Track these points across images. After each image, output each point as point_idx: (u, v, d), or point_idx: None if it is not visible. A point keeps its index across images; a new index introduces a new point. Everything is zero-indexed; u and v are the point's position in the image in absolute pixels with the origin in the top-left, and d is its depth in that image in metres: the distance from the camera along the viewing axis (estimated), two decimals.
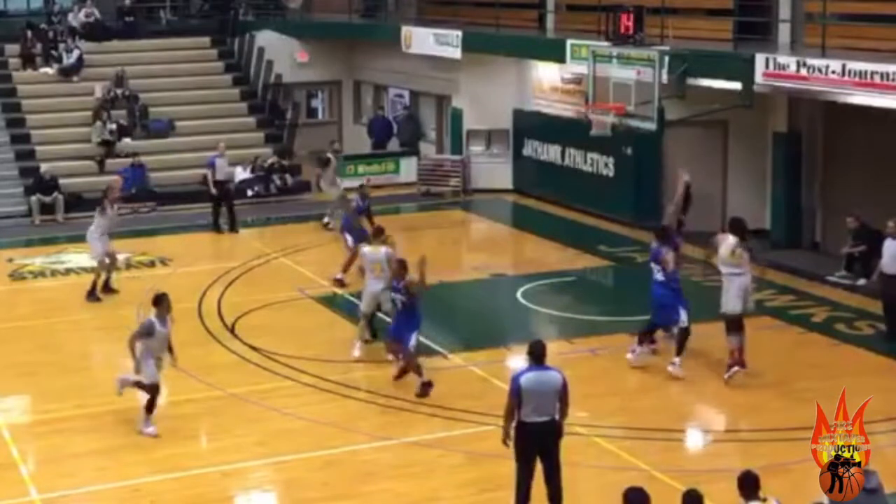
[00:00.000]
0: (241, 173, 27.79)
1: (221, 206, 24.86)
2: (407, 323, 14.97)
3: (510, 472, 11.11)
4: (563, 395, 11.01)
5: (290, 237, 24.06)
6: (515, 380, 10.98)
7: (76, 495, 12.42)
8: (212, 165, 24.84)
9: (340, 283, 20.04)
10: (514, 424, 11.00)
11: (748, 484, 8.73)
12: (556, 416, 11.04)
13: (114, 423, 14.29)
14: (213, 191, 24.82)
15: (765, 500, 8.69)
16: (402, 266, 15.09)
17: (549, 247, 22.19)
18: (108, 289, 20.08)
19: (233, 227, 24.87)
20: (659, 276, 15.50)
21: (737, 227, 15.35)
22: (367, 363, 16.23)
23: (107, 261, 19.97)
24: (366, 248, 16.70)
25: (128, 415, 14.71)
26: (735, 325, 15.18)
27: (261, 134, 29.81)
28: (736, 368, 15.14)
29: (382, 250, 16.24)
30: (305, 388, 15.11)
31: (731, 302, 15.10)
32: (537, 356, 11.16)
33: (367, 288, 16.47)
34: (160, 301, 13.86)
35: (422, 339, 17.34)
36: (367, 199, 20.86)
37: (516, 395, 10.90)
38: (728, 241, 15.13)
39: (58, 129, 28.68)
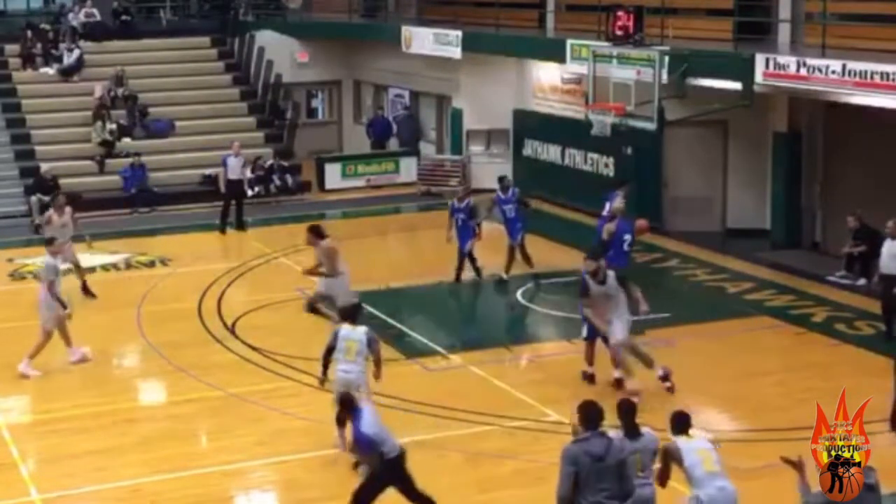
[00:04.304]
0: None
1: (231, 205, 24.81)
2: None
3: (510, 473, 11.09)
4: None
5: (290, 237, 24.02)
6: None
7: (76, 495, 12.42)
8: (224, 164, 24.83)
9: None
10: None
11: (679, 422, 9.79)
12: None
13: (114, 423, 14.30)
14: (223, 189, 24.80)
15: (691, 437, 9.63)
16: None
17: (549, 247, 22.13)
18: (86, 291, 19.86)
19: (240, 226, 24.87)
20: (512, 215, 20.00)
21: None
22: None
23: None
24: None
25: (128, 415, 14.74)
26: None
27: (261, 134, 29.79)
28: None
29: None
30: (305, 388, 15.07)
31: None
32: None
33: None
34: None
35: (422, 339, 17.41)
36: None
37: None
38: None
39: (58, 129, 28.65)
